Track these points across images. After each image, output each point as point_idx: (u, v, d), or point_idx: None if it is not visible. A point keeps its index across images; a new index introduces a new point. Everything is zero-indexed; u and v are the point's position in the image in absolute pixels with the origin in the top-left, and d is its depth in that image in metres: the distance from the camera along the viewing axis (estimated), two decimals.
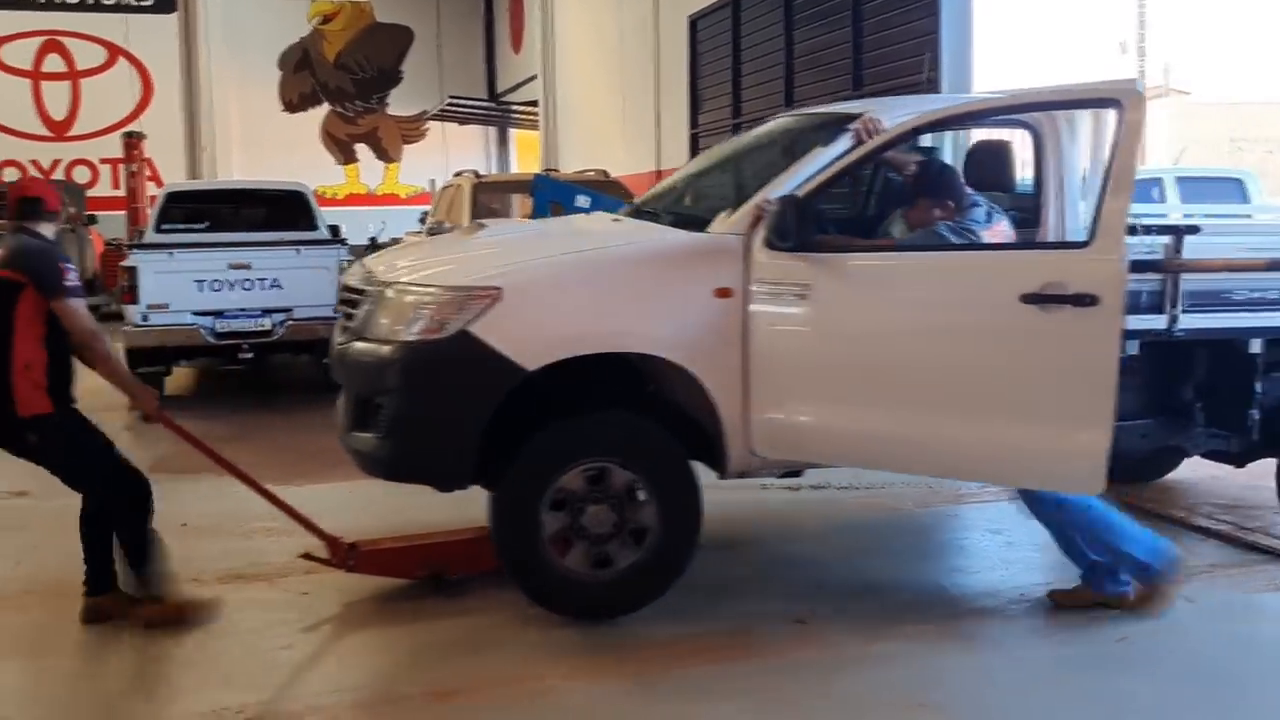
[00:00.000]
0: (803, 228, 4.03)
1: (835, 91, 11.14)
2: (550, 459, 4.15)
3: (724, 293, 4.13)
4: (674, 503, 4.23)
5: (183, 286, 8.84)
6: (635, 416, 4.28)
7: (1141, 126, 3.92)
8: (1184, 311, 4.57)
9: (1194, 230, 4.61)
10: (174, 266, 8.91)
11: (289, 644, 4.20)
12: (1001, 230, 4.34)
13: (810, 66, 11.72)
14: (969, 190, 4.38)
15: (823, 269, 4.10)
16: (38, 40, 22.56)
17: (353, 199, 24.15)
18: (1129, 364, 4.38)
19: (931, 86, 9.38)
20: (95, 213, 17.35)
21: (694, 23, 14.54)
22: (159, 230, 9.82)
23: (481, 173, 11.97)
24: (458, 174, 11.52)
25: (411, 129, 25.20)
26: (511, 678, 3.86)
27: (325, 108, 24.95)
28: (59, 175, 22.03)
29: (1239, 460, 5.22)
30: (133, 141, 17.08)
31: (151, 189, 18.79)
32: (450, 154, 23.25)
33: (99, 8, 22.77)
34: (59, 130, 22.69)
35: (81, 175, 22.32)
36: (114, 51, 22.84)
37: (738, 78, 13.29)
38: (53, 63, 22.74)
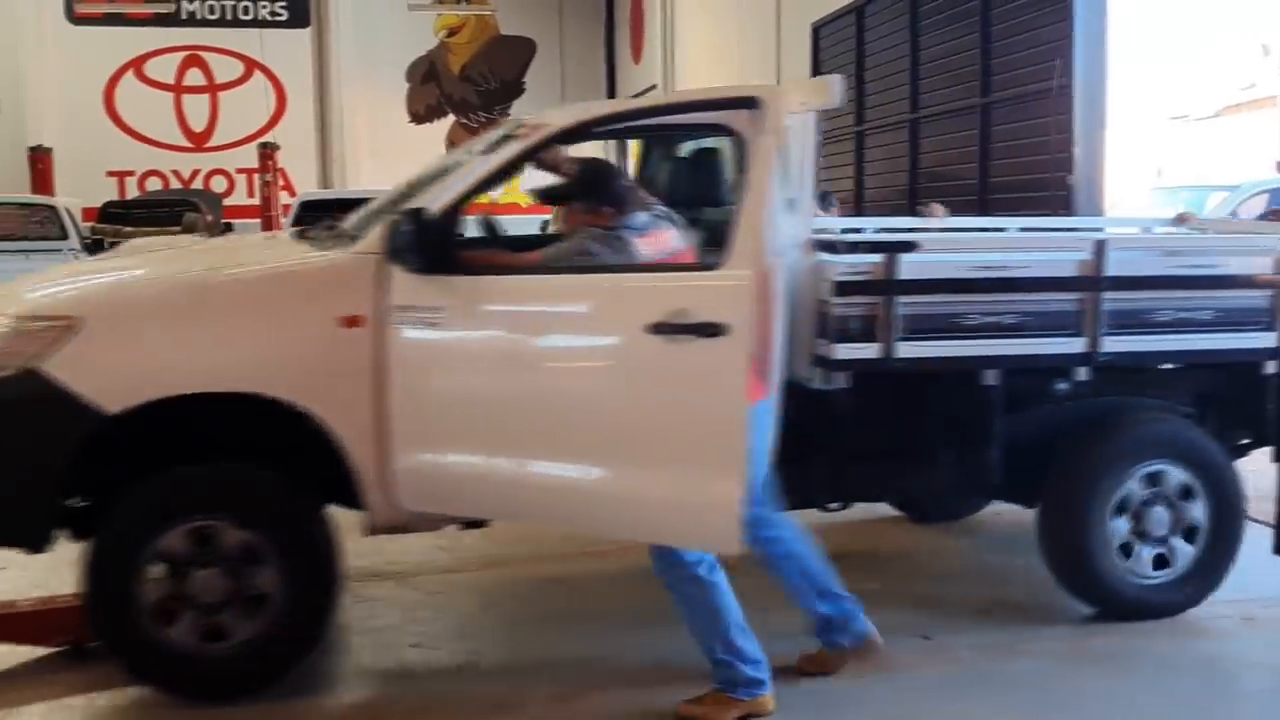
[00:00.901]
0: (434, 245, 3.54)
1: (962, 99, 10.94)
2: (146, 518, 3.62)
3: (352, 321, 3.58)
4: (301, 565, 3.68)
5: None
6: (249, 467, 3.71)
7: (782, 132, 3.59)
8: (902, 339, 4.09)
9: (909, 247, 4.17)
10: None
11: (417, 642, 4.27)
12: (661, 239, 3.76)
13: (937, 73, 11.54)
14: (641, 197, 3.94)
15: (453, 292, 3.60)
16: (180, 55, 23.54)
17: (474, 208, 24.54)
18: (838, 398, 4.12)
19: (1063, 93, 9.14)
20: (231, 220, 18.02)
21: (817, 30, 14.43)
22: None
23: None
24: None
25: None
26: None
27: (450, 119, 25.45)
28: (197, 184, 22.97)
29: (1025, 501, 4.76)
30: (267, 152, 17.72)
31: (284, 198, 19.52)
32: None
33: (237, 23, 23.65)
34: (198, 141, 23.63)
35: (219, 185, 23.23)
36: (251, 65, 23.70)
37: (861, 85, 13.14)
38: (193, 76, 23.69)
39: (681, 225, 3.88)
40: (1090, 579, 4.44)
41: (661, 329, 3.39)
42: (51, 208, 13.35)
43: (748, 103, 3.69)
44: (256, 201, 20.61)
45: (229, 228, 17.14)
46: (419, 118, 25.28)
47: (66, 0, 22.82)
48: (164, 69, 23.51)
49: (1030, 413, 4.48)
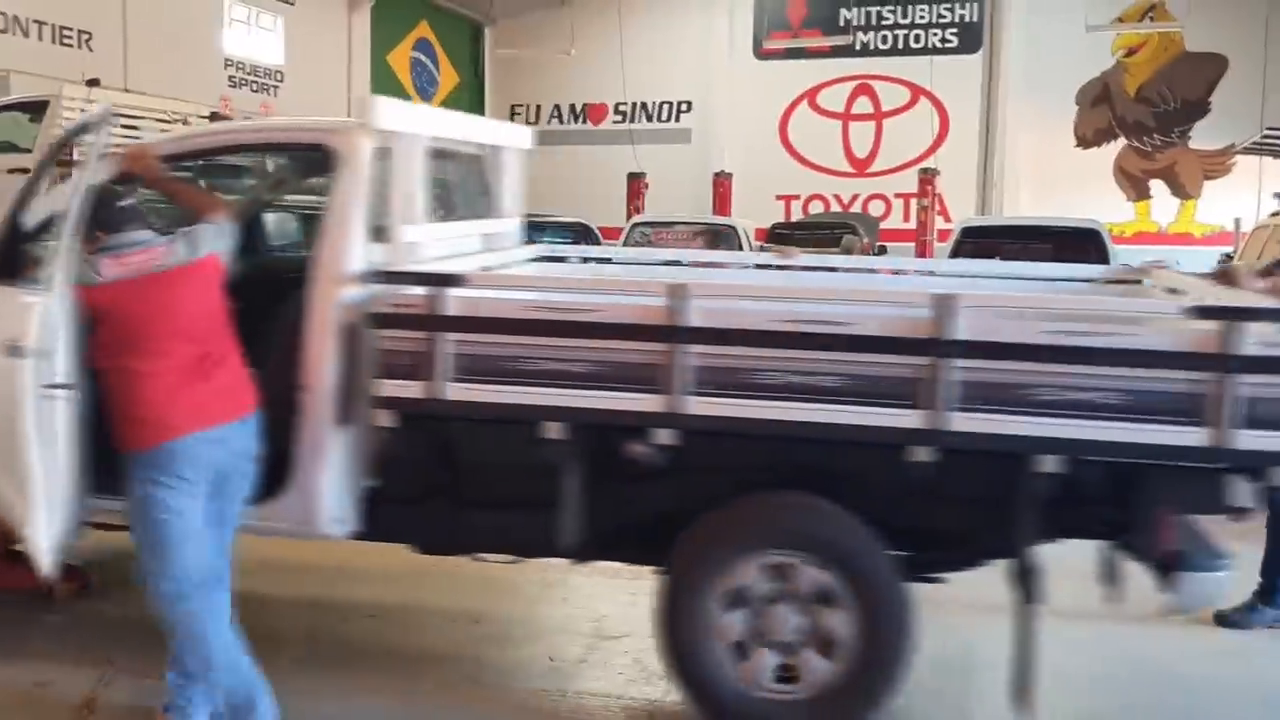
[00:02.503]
0: None
1: None
2: None
3: None
4: None
5: None
6: None
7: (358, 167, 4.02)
8: (455, 379, 3.85)
9: (455, 281, 3.93)
10: None
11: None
12: (137, 259, 3.79)
13: None
14: (140, 218, 3.92)
15: None
16: (850, 84, 24.54)
17: (1141, 237, 22.73)
18: (390, 438, 3.95)
19: None
20: (885, 243, 18.38)
21: None
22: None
23: None
24: (1276, 214, 10.13)
25: (1215, 163, 23.06)
26: None
27: (1120, 143, 23.81)
28: (856, 208, 23.80)
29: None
30: (927, 178, 17.78)
31: (940, 223, 19.50)
32: (1264, 191, 20.80)
33: (908, 51, 24.11)
34: (860, 167, 24.47)
35: (876, 209, 23.87)
36: (916, 92, 24.03)
37: None
38: (861, 105, 24.57)
39: (180, 243, 3.86)
40: (690, 673, 3.85)
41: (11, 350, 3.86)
42: (732, 228, 14.62)
43: (315, 148, 4.01)
44: (912, 226, 20.84)
45: (883, 250, 17.48)
46: (1085, 142, 23.95)
47: (755, 37, 24.82)
48: (834, 98, 24.66)
49: (636, 474, 3.86)
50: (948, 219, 19.01)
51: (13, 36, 13.96)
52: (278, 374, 4.13)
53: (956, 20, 23.82)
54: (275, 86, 19.34)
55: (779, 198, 24.16)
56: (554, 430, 3.88)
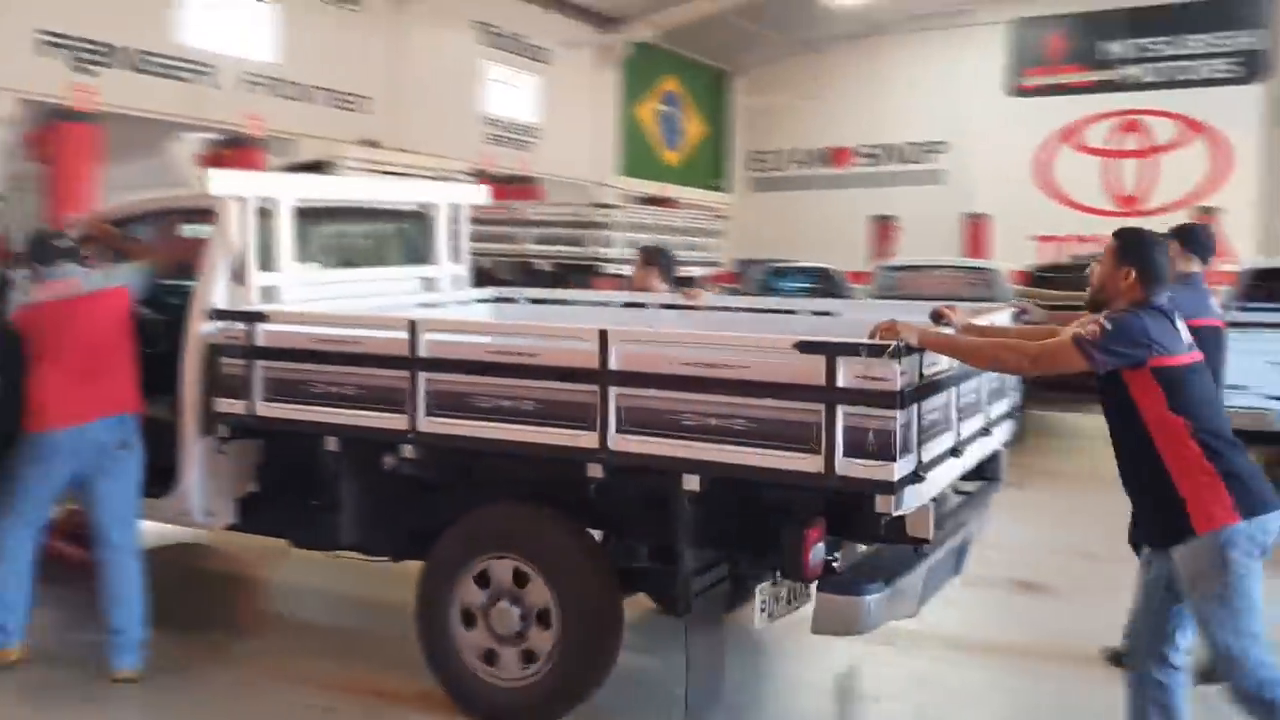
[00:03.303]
0: None
1: None
2: None
3: None
4: None
5: (1260, 368, 8.13)
6: None
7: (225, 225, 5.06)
8: (266, 399, 4.70)
9: (260, 318, 4.79)
10: (1252, 346, 8.20)
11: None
12: (57, 285, 4.91)
13: None
14: (67, 254, 4.99)
15: None
16: (1115, 120, 23.29)
17: None
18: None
19: None
20: None
21: None
22: (1241, 308, 9.16)
23: None
24: None
25: None
26: None
27: None
28: None
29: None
30: (1206, 216, 16.52)
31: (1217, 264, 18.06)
32: None
33: (1182, 84, 22.70)
34: (1128, 205, 23.10)
35: None
36: (1189, 125, 22.56)
37: None
38: (1126, 140, 23.27)
39: (97, 276, 5.01)
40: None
41: None
42: (988, 269, 13.87)
43: (206, 210, 5.09)
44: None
45: None
46: None
47: (1011, 74, 23.96)
48: (1097, 134, 23.48)
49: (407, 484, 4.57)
50: (1229, 259, 17.59)
51: (300, 103, 15.07)
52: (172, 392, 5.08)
53: (1236, 49, 22.24)
54: (531, 142, 20.08)
55: (1036, 238, 23.11)
56: (332, 444, 4.64)
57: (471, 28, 18.63)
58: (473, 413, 4.25)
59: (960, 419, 4.27)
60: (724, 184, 26.74)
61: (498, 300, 6.63)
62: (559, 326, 5.07)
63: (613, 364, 4.00)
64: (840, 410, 3.66)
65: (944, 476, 4.10)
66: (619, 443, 3.99)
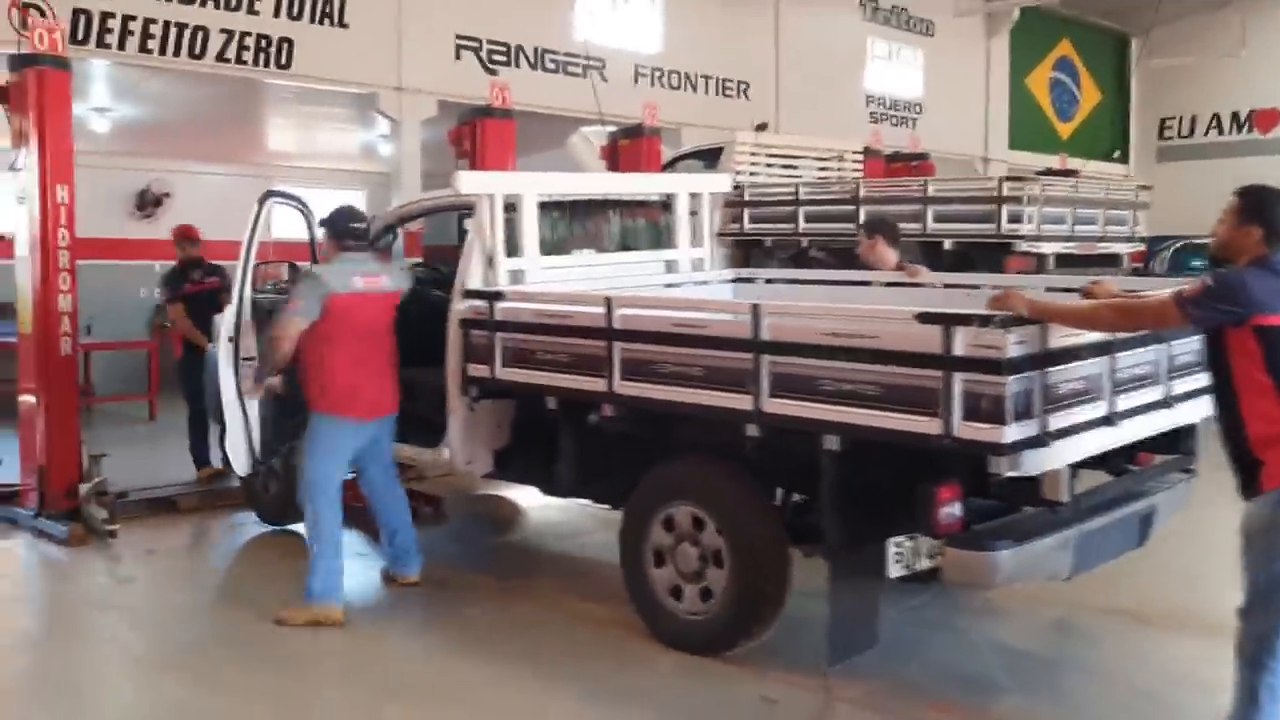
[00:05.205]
0: None
1: None
2: None
3: None
4: None
5: None
6: None
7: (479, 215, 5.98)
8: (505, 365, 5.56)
9: (499, 296, 5.68)
10: None
11: None
12: (367, 281, 5.73)
13: None
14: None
15: None
16: None
17: None
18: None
19: None
20: None
21: None
22: None
23: None
24: None
25: None
26: None
27: None
28: None
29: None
30: None
31: None
32: None
33: None
34: None
35: None
36: None
37: None
38: None
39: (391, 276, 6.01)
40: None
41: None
42: None
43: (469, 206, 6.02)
44: None
45: None
46: None
47: None
48: None
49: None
50: None
51: (683, 93, 15.18)
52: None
53: None
54: (915, 119, 19.29)
55: None
56: (551, 403, 5.42)
57: (855, 4, 18.10)
58: (657, 378, 4.84)
59: (1119, 389, 4.35)
60: (1124, 155, 24.59)
61: (736, 281, 7.19)
62: (720, 301, 5.85)
63: (763, 335, 4.49)
64: (956, 376, 3.95)
65: (1087, 445, 4.25)
66: (770, 405, 4.47)
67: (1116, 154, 24.43)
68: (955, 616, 5.57)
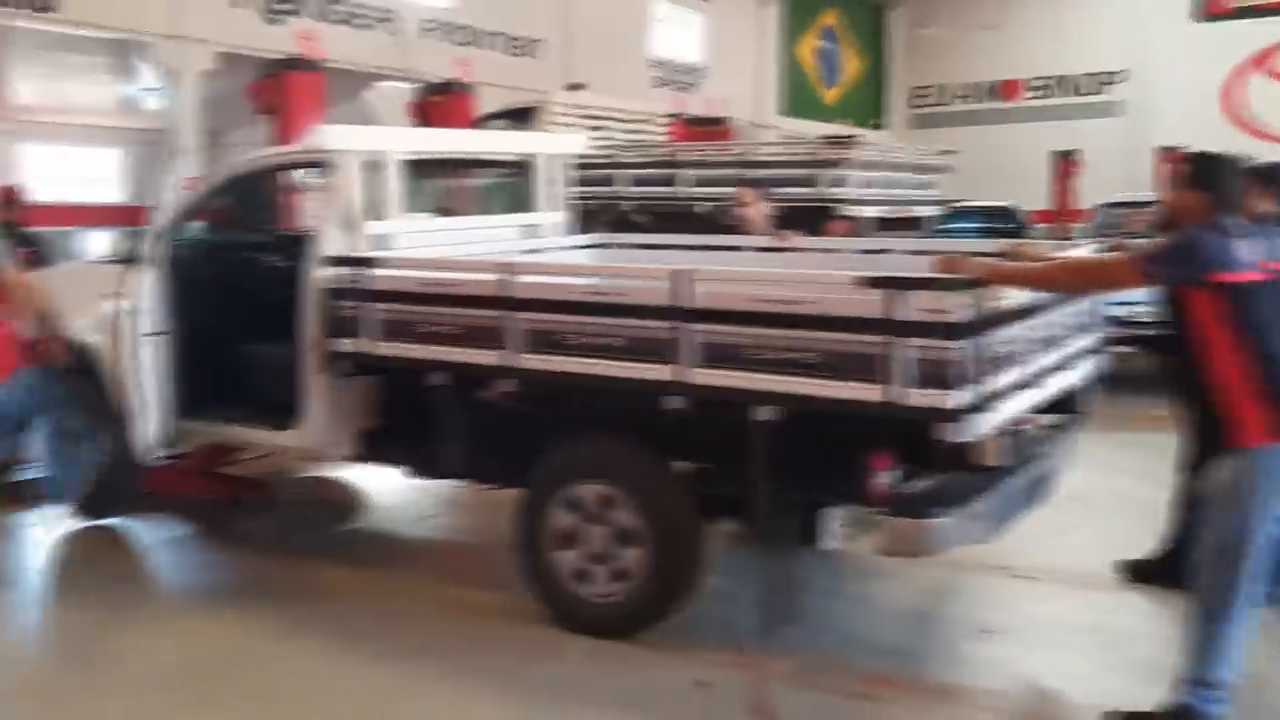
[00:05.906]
0: None
1: None
2: None
3: None
4: None
5: None
6: None
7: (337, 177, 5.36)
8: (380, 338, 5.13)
9: (370, 263, 5.19)
10: None
11: None
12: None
13: None
14: None
15: None
16: None
17: None
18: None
19: None
20: None
21: None
22: None
23: None
24: None
25: None
26: None
27: None
28: None
29: None
30: None
31: None
32: None
33: None
34: None
35: None
36: None
37: None
38: None
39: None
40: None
41: None
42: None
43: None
44: None
45: None
46: None
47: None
48: None
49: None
50: None
51: (476, 49, 14.66)
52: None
53: None
54: (695, 85, 19.43)
55: None
56: (438, 379, 4.98)
57: None
58: (565, 349, 4.56)
59: (1035, 352, 4.40)
60: (883, 121, 25.74)
61: (596, 246, 6.98)
62: (635, 267, 5.50)
63: (690, 302, 4.27)
64: (900, 342, 3.85)
65: (1014, 407, 4.24)
66: (698, 376, 4.27)
67: (878, 121, 25.55)
68: (841, 583, 5.53)
